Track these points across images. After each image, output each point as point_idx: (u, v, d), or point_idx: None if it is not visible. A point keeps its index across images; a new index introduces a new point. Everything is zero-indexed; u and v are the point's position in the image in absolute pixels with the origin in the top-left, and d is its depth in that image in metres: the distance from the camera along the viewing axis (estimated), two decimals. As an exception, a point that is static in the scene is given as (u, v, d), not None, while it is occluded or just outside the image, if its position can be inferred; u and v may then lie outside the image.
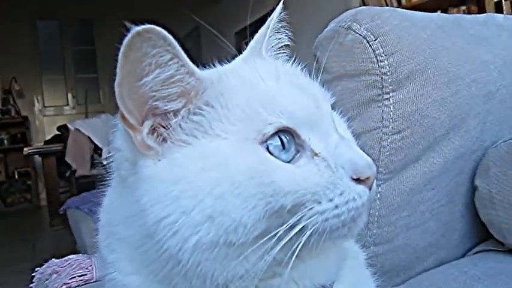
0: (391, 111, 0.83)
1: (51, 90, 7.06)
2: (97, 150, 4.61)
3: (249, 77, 0.48)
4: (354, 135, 0.86)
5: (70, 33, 7.27)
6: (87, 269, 1.20)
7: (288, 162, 0.45)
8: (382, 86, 0.83)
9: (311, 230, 0.43)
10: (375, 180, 0.47)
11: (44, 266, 1.37)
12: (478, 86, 0.88)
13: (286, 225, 0.43)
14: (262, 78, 0.47)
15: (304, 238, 0.43)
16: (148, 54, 0.41)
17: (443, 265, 0.91)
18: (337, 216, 0.44)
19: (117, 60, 0.41)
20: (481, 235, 0.96)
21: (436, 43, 0.85)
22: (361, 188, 0.45)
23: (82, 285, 1.17)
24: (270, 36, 0.58)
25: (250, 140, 0.44)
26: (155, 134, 0.45)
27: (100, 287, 0.66)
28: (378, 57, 0.82)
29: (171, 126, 0.45)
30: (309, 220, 0.43)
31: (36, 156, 5.64)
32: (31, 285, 1.30)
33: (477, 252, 0.96)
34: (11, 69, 6.37)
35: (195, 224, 0.42)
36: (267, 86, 0.46)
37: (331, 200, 0.44)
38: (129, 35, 0.39)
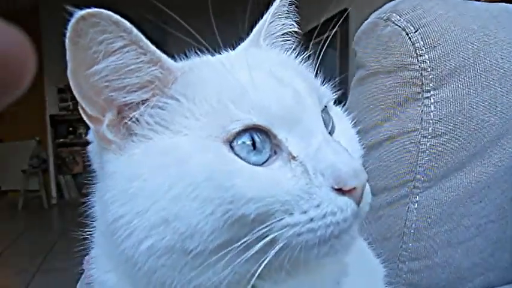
0: (432, 111, 0.75)
1: (126, 89, 7.45)
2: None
3: (222, 69, 0.43)
4: (388, 138, 0.79)
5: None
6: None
7: (261, 164, 0.39)
8: (422, 83, 0.74)
9: (281, 244, 0.38)
10: (366, 192, 0.40)
11: (88, 255, 1.42)
12: (539, 84, 0.76)
13: (250, 235, 0.37)
14: (234, 69, 0.42)
15: (273, 252, 0.38)
16: (96, 40, 0.38)
17: (490, 290, 0.80)
18: (311, 231, 0.38)
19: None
20: (540, 258, 0.83)
21: (487, 35, 0.74)
22: (343, 200, 0.39)
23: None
24: (271, 22, 0.53)
25: (212, 137, 0.39)
26: (120, 127, 0.42)
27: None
28: (417, 50, 0.74)
29: (132, 119, 0.42)
30: (279, 232, 0.38)
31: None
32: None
33: (534, 278, 0.83)
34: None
35: (149, 226, 0.38)
36: (239, 78, 0.41)
37: (305, 212, 0.38)
38: (73, 20, 0.37)
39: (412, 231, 0.79)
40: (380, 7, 0.82)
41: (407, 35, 0.75)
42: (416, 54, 0.74)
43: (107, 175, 0.43)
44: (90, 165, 0.47)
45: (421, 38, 0.73)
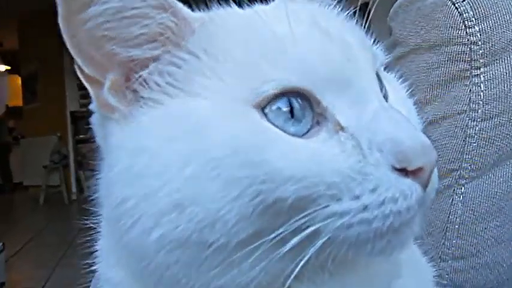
0: (482, 91, 0.68)
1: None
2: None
3: (252, 18, 0.36)
4: (431, 121, 0.72)
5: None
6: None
7: (300, 136, 0.32)
8: (471, 59, 0.68)
9: (325, 238, 0.31)
10: (434, 174, 0.33)
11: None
12: None
13: (286, 226, 0.30)
14: (269, 19, 0.35)
15: (315, 248, 0.31)
16: None
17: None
18: (365, 223, 0.31)
19: None
20: None
21: (548, 3, 0.67)
22: (407, 183, 0.31)
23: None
24: None
25: (239, 100, 0.32)
26: (125, 91, 0.36)
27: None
28: (466, 22, 0.67)
29: (138, 79, 0.36)
30: (323, 223, 0.31)
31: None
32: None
33: None
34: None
35: (159, 211, 0.32)
36: (275, 30, 0.34)
37: (357, 198, 0.31)
38: None
39: (456, 226, 0.73)
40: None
41: (454, 4, 0.68)
42: (465, 26, 0.67)
43: (110, 150, 0.37)
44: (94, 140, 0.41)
45: (471, 7, 0.67)
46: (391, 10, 0.81)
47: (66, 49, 0.34)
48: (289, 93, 0.32)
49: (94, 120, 0.40)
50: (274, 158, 0.30)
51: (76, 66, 0.35)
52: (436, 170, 0.34)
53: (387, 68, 0.44)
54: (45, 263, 3.61)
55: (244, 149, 0.31)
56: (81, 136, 6.87)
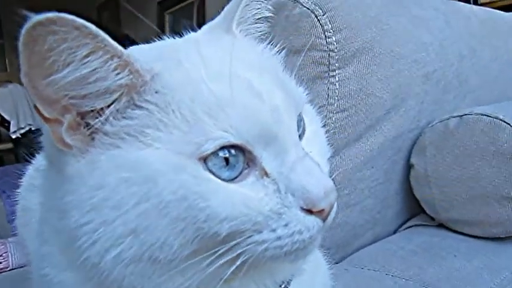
0: (337, 89, 0.82)
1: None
2: (4, 122, 4.23)
3: (196, 74, 0.40)
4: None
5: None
6: (1, 256, 1.09)
7: (232, 179, 0.39)
8: (329, 63, 0.81)
9: (247, 257, 0.39)
10: (334, 208, 0.42)
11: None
12: (418, 66, 0.90)
13: (219, 247, 0.38)
14: (210, 75, 0.40)
15: (239, 262, 0.39)
16: (55, 50, 0.34)
17: (379, 241, 0.94)
18: (278, 248, 0.40)
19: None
20: (412, 211, 1.01)
21: (382, 21, 0.85)
22: (311, 219, 0.40)
23: (-4, 274, 1.06)
24: (246, 5, 0.50)
25: (186, 154, 0.38)
26: (82, 130, 0.39)
27: (18, 275, 0.60)
28: (326, 32, 0.79)
29: (95, 125, 0.39)
30: (246, 248, 0.39)
31: None
32: None
33: (408, 227, 1.00)
34: None
35: (116, 236, 0.37)
36: (215, 90, 0.39)
37: (273, 231, 0.39)
38: (30, 25, 0.32)
39: (318, 197, 0.88)
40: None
41: (317, 17, 0.79)
42: (325, 36, 0.79)
43: (65, 178, 0.39)
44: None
45: (329, 20, 0.79)
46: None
47: None
48: (226, 147, 0.39)
49: (45, 142, 0.42)
50: (214, 204, 0.37)
51: (34, 107, 0.37)
52: (336, 204, 0.43)
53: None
54: None
55: (190, 197, 0.37)
56: None
